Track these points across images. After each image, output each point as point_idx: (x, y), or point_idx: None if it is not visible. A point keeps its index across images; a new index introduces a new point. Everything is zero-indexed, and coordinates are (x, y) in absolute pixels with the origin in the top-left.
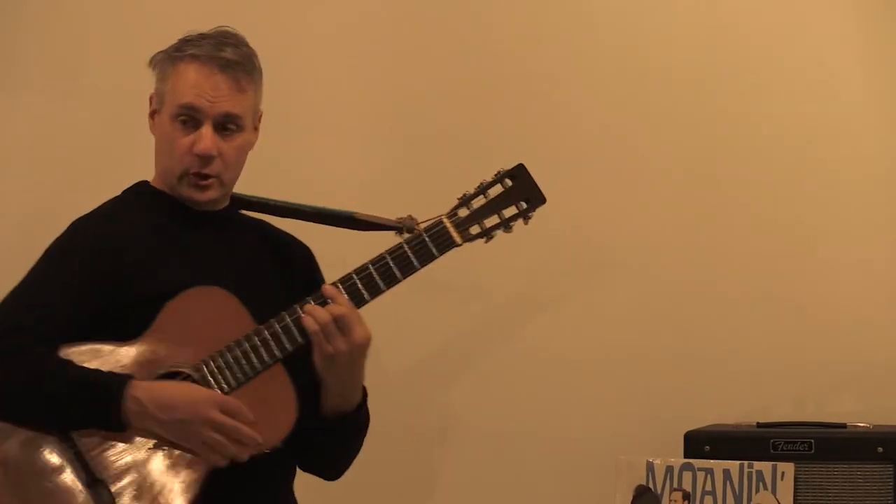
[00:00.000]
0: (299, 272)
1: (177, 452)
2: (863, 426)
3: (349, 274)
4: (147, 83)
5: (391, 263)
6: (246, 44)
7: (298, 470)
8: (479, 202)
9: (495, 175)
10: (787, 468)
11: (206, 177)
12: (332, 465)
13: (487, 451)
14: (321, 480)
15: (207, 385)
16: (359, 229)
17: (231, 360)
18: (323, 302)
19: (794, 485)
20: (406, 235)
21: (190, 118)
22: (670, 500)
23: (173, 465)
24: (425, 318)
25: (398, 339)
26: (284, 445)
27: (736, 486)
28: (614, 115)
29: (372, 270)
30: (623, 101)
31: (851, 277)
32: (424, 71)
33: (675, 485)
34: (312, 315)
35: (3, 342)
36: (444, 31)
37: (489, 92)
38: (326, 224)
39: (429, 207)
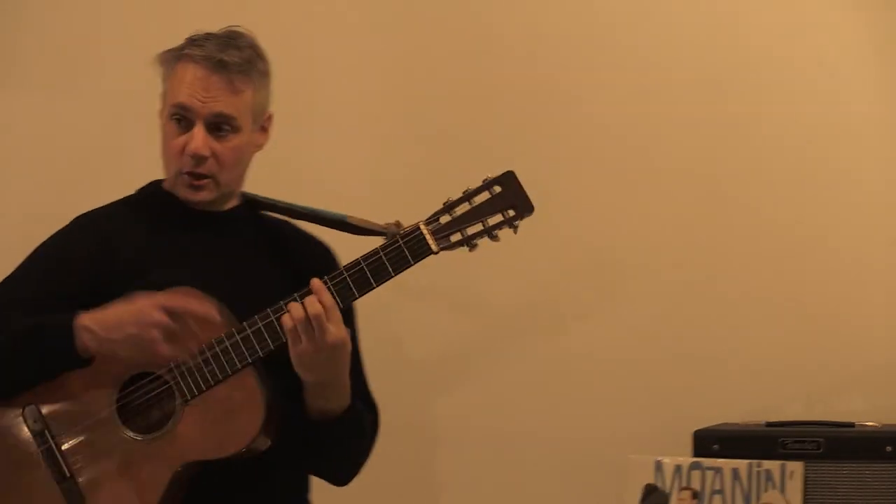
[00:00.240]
0: (311, 274)
1: (150, 447)
2: (871, 425)
3: (324, 278)
4: (152, 82)
5: (366, 270)
6: (251, 45)
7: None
8: (463, 209)
9: (483, 182)
10: (796, 467)
11: (201, 177)
12: (332, 469)
13: (496, 452)
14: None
15: (178, 388)
16: (351, 233)
17: (202, 362)
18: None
19: (803, 484)
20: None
21: (183, 118)
22: (679, 499)
23: (146, 460)
24: (433, 318)
25: (406, 339)
26: (272, 450)
27: (745, 485)
28: (622, 117)
29: (346, 276)
30: (632, 103)
31: (860, 277)
32: (433, 71)
33: (684, 484)
34: (290, 312)
35: None
36: (453, 32)
37: (499, 93)
38: (320, 225)
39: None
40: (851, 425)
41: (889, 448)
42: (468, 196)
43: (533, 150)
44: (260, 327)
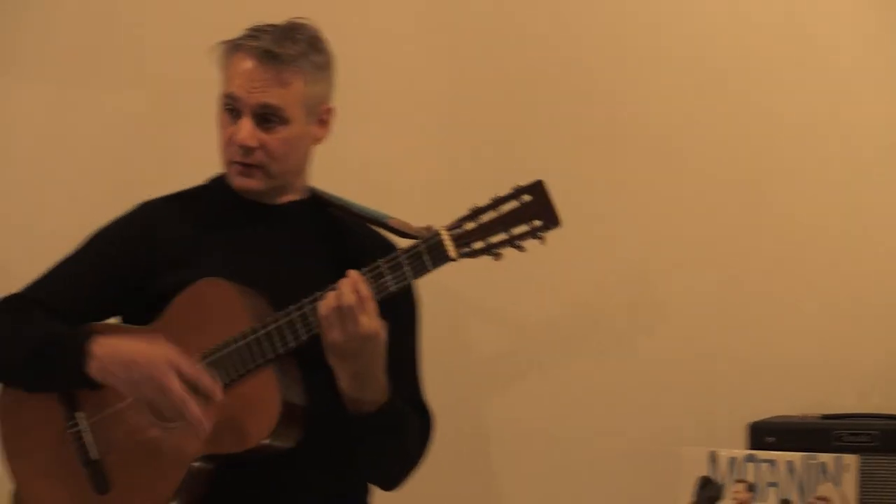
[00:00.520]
0: None
1: (171, 436)
2: None
3: (362, 270)
4: (209, 72)
5: (385, 272)
6: (310, 38)
7: None
8: (489, 216)
9: (512, 189)
10: (852, 460)
11: (250, 166)
12: (374, 468)
13: (550, 445)
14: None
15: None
16: (392, 233)
17: (227, 355)
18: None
19: (858, 477)
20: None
21: (234, 108)
22: (734, 492)
23: (166, 449)
24: (488, 310)
25: (460, 334)
26: (306, 450)
27: (799, 478)
28: (665, 125)
29: (368, 278)
30: (673, 113)
31: None
32: (482, 71)
33: (739, 476)
34: (325, 300)
35: (4, 303)
36: (501, 34)
37: (542, 97)
38: (363, 222)
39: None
40: None
41: None
42: (496, 203)
43: (578, 153)
44: (291, 319)
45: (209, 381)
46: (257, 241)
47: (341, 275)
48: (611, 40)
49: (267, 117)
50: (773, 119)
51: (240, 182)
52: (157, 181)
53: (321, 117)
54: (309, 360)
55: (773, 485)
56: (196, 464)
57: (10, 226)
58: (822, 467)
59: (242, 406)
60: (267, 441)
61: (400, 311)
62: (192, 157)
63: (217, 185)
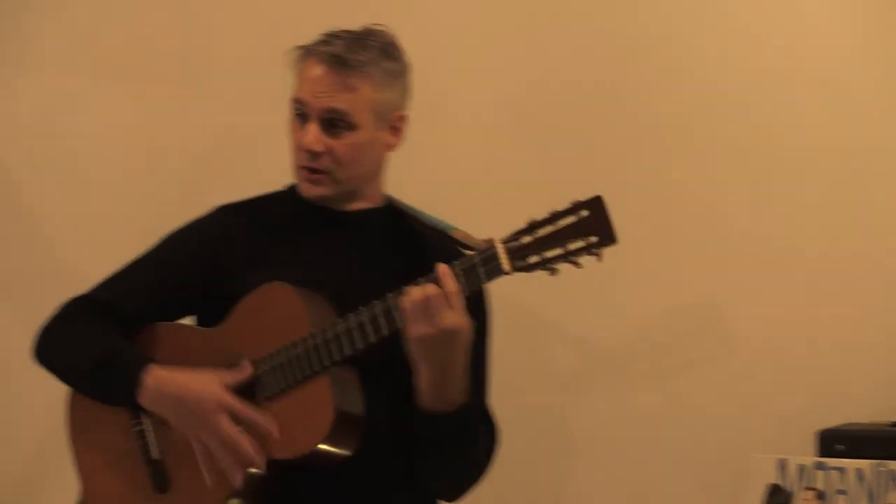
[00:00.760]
0: None
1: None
2: None
3: (452, 263)
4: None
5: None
6: (382, 44)
7: None
8: (546, 230)
9: (571, 204)
10: None
11: (317, 171)
12: (441, 474)
13: (618, 452)
14: None
15: (257, 385)
16: (456, 245)
17: (284, 361)
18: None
19: None
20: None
21: (302, 113)
22: (803, 500)
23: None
24: (555, 318)
25: (529, 339)
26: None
27: (869, 486)
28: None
29: (457, 272)
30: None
31: None
32: (570, 73)
33: (808, 484)
34: (410, 293)
35: (67, 308)
36: (591, 32)
37: (635, 94)
38: (429, 233)
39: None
40: None
41: None
42: (553, 217)
43: (654, 174)
44: (350, 325)
45: (263, 420)
46: (325, 247)
47: (407, 284)
48: (698, 59)
49: (334, 122)
50: (856, 154)
51: (307, 189)
52: (234, 186)
53: (393, 124)
54: (370, 369)
55: (842, 492)
56: (251, 468)
57: (86, 226)
58: (892, 475)
59: (296, 413)
60: (319, 449)
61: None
62: (269, 164)
63: (290, 192)
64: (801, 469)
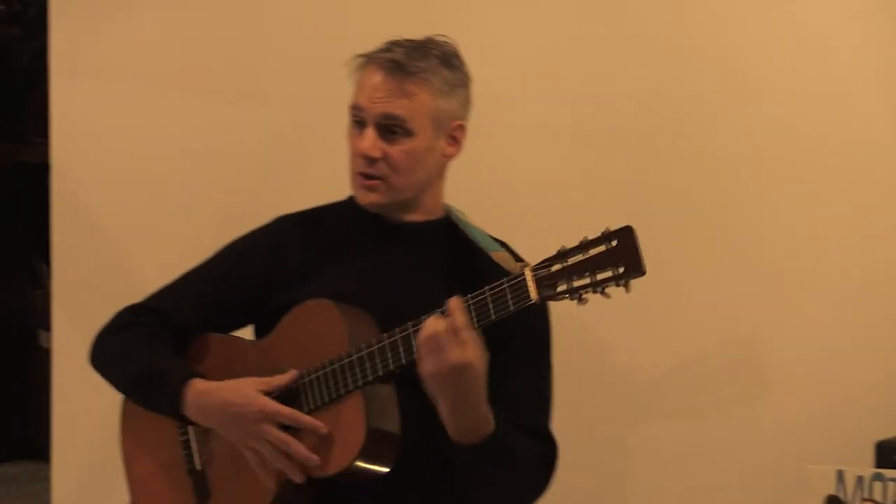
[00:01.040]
0: None
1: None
2: None
3: (467, 297)
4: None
5: (471, 310)
6: (442, 54)
7: None
8: (576, 258)
9: (601, 233)
10: None
11: (372, 177)
12: (484, 502)
13: (674, 462)
14: None
15: (297, 398)
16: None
17: (320, 377)
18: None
19: None
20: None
21: (360, 120)
22: None
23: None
24: (612, 329)
25: (580, 347)
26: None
27: None
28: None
29: (469, 305)
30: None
31: None
32: (622, 81)
33: (866, 495)
34: (423, 328)
35: (122, 316)
36: (647, 39)
37: (692, 103)
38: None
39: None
40: None
41: None
42: (584, 246)
43: (699, 207)
44: (384, 345)
45: (308, 420)
46: (379, 260)
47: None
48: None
49: (391, 128)
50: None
51: (362, 196)
52: (292, 194)
53: (452, 134)
54: (409, 385)
55: None
56: (287, 484)
57: (146, 234)
58: None
59: (330, 430)
60: (354, 466)
61: (523, 339)
62: (327, 173)
63: (349, 203)
64: (860, 480)
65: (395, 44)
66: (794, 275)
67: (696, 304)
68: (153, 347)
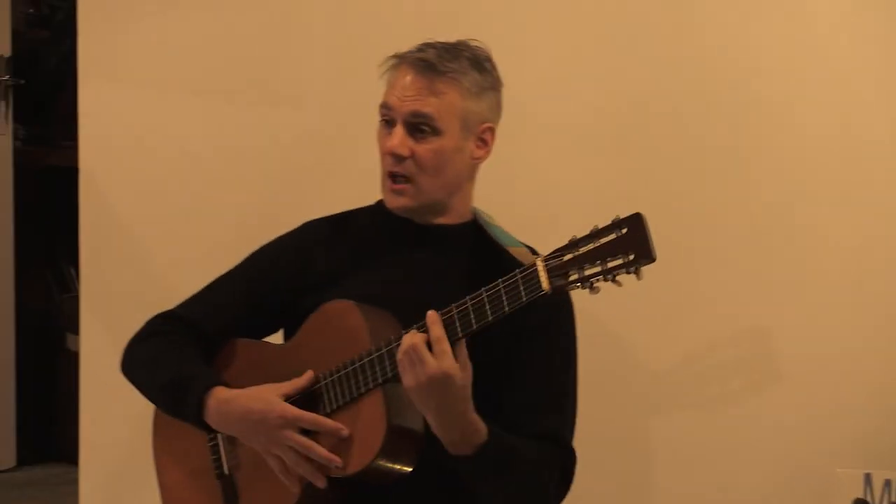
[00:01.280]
0: (528, 316)
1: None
2: None
3: (450, 306)
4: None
5: (486, 301)
6: (474, 56)
7: None
8: (587, 248)
9: (612, 221)
10: None
11: (399, 178)
12: None
13: (702, 464)
14: None
15: (319, 400)
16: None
17: (342, 377)
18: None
19: None
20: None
21: (389, 118)
22: None
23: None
24: (625, 324)
25: (604, 348)
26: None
27: None
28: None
29: (469, 306)
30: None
31: None
32: (656, 97)
33: (894, 498)
34: (402, 343)
35: (152, 324)
36: (667, 53)
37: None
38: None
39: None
40: None
41: None
42: (595, 235)
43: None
44: (379, 353)
45: (330, 424)
46: (405, 262)
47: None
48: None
49: (419, 126)
50: None
51: (391, 200)
52: (322, 198)
53: (481, 136)
54: None
55: None
56: (311, 486)
57: (176, 239)
58: None
59: (351, 430)
60: (374, 464)
61: (535, 343)
62: (356, 176)
63: (378, 207)
64: (887, 483)
65: (427, 45)
66: (807, 268)
67: (708, 298)
68: (180, 355)
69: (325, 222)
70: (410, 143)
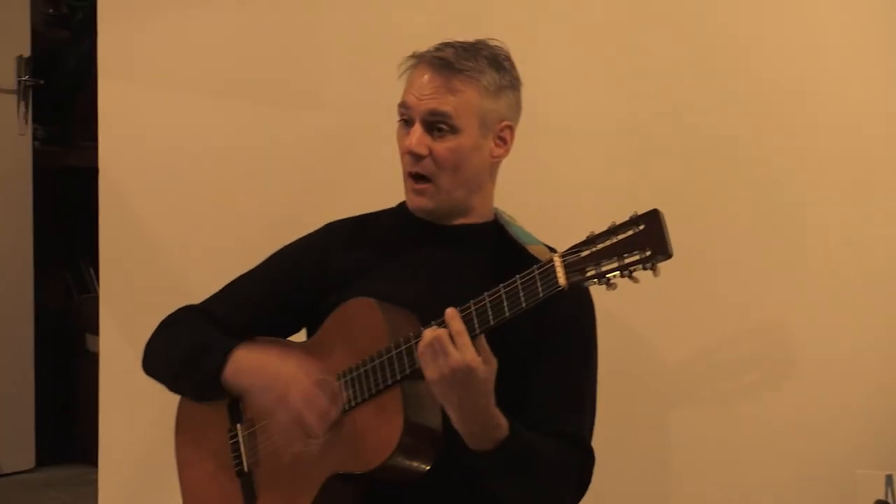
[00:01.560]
0: (549, 318)
1: (311, 451)
2: None
3: (468, 303)
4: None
5: (503, 297)
6: (492, 56)
7: None
8: (604, 243)
9: (629, 217)
10: None
11: (420, 178)
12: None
13: (721, 465)
14: None
15: (338, 397)
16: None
17: (361, 374)
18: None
19: None
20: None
21: (408, 117)
22: None
23: (307, 464)
24: (657, 329)
25: (620, 344)
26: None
27: None
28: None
29: (487, 302)
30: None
31: None
32: (675, 101)
33: None
34: (422, 338)
35: (176, 313)
36: (691, 52)
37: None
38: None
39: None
40: None
41: None
42: (612, 231)
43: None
44: (398, 350)
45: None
46: (426, 262)
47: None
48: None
49: (437, 125)
50: None
51: (412, 201)
52: (342, 200)
53: (499, 134)
54: None
55: None
56: (329, 483)
57: (193, 238)
58: None
59: (369, 425)
60: (391, 461)
61: (556, 341)
62: (376, 179)
63: (399, 208)
64: None
65: (446, 44)
66: (824, 266)
67: (722, 296)
68: (203, 332)
69: (348, 223)
70: (428, 141)
